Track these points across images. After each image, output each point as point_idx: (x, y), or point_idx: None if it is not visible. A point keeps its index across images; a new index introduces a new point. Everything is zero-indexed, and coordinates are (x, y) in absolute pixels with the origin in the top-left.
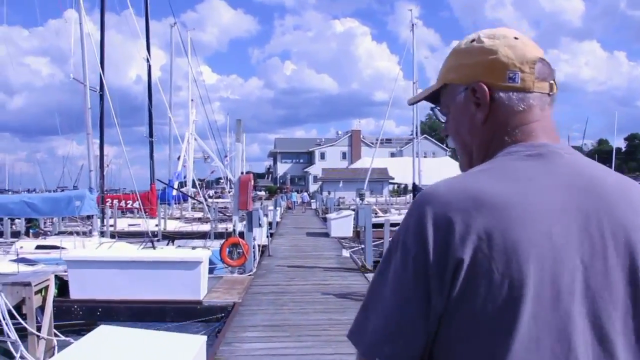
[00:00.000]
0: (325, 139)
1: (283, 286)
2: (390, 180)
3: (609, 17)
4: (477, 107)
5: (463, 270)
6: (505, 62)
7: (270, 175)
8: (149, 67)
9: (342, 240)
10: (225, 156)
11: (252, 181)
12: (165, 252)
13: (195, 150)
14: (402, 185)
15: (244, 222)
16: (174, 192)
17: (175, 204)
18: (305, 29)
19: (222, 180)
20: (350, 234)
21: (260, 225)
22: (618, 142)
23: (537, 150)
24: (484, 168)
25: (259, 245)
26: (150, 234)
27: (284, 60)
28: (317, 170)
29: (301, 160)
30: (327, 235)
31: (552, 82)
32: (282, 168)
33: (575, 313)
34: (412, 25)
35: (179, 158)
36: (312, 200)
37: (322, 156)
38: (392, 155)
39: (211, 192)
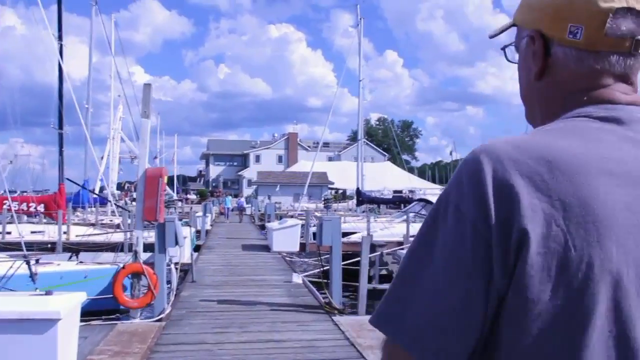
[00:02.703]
0: (260, 142)
1: (210, 345)
2: (330, 185)
3: None
4: (534, 58)
5: (531, 244)
6: (569, 11)
7: (202, 178)
8: (61, 46)
9: (287, 256)
10: (155, 157)
11: (165, 178)
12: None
13: (124, 151)
14: (341, 191)
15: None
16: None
17: (90, 207)
18: (241, 32)
19: None
20: (296, 247)
21: (177, 244)
22: None
23: (611, 113)
24: (551, 127)
25: (176, 268)
26: (24, 246)
27: (218, 63)
28: (251, 173)
29: (235, 163)
30: (267, 248)
31: (637, 38)
32: (215, 171)
33: None
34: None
35: (102, 158)
36: (247, 206)
37: (257, 159)
38: (330, 159)
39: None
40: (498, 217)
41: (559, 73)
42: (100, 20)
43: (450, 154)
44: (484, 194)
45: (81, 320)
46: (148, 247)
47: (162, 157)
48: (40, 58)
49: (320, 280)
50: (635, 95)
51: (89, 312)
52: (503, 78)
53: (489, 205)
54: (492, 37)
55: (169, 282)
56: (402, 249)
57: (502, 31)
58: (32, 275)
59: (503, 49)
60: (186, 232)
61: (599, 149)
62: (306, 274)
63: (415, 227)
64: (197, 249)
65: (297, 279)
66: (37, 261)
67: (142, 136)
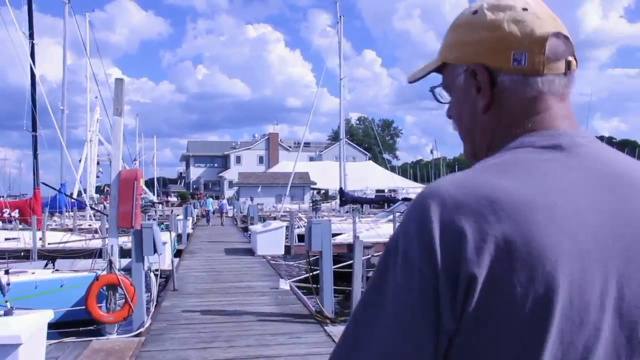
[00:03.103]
0: (241, 143)
1: None
2: (312, 186)
3: None
4: (478, 92)
5: (478, 286)
6: (510, 40)
7: (183, 180)
8: (32, 45)
9: (272, 260)
10: (134, 159)
11: (141, 181)
12: None
13: (102, 154)
14: (323, 191)
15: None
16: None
17: (68, 212)
18: (218, 33)
19: None
20: (281, 251)
21: (156, 252)
22: None
23: (554, 141)
24: (494, 162)
25: (156, 275)
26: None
27: (196, 64)
28: (232, 174)
29: (216, 165)
30: (251, 252)
31: (570, 59)
32: (196, 172)
33: (606, 327)
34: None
35: (80, 161)
36: (230, 208)
37: (238, 160)
38: (311, 159)
39: None
40: (444, 262)
41: (506, 101)
42: (74, 20)
43: (431, 152)
44: (430, 240)
45: (54, 336)
46: (127, 253)
47: (142, 160)
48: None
49: (310, 285)
50: (572, 117)
51: (65, 323)
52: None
53: (435, 252)
54: (412, 82)
55: (148, 290)
56: None
57: (427, 73)
58: (2, 287)
59: (431, 90)
60: (166, 237)
61: (542, 182)
62: (294, 279)
63: None
64: (178, 253)
65: (285, 285)
66: (6, 272)
67: (115, 135)
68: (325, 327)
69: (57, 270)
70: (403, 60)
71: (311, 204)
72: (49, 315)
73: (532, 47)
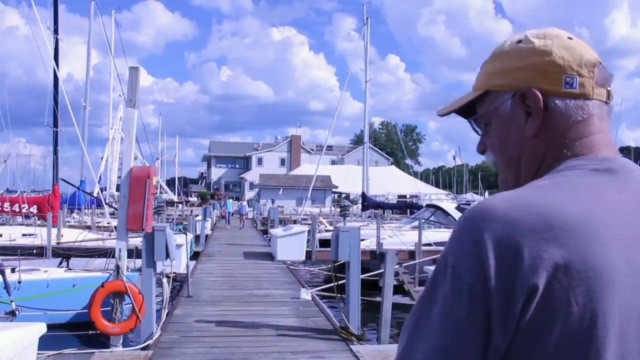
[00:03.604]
0: (263, 144)
1: None
2: (334, 189)
3: None
4: (528, 116)
5: (536, 300)
6: (561, 64)
7: (204, 180)
8: (56, 40)
9: (292, 265)
10: (157, 158)
11: (153, 179)
12: None
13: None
14: (344, 195)
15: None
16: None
17: (87, 209)
18: (243, 35)
19: None
20: (302, 257)
21: (168, 258)
22: None
23: (605, 165)
24: (544, 182)
25: (170, 278)
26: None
27: (220, 65)
28: (253, 176)
29: (237, 166)
30: (270, 257)
31: (609, 88)
32: (217, 173)
33: None
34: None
35: (102, 158)
36: (250, 209)
37: (260, 162)
38: (333, 162)
39: None
40: (498, 279)
41: (557, 125)
42: (100, 19)
43: (454, 158)
44: (482, 257)
45: (54, 345)
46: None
47: (164, 159)
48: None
49: (334, 294)
50: (614, 145)
51: (76, 325)
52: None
53: (487, 268)
54: (443, 115)
55: (160, 295)
56: (431, 260)
57: (465, 104)
58: (7, 286)
59: (470, 121)
60: (182, 240)
61: (595, 203)
62: (316, 289)
63: (427, 235)
64: (195, 255)
65: (306, 294)
66: (12, 270)
67: (128, 129)
68: (352, 346)
69: (70, 269)
70: (427, 65)
71: (339, 209)
72: (39, 329)
73: (582, 71)
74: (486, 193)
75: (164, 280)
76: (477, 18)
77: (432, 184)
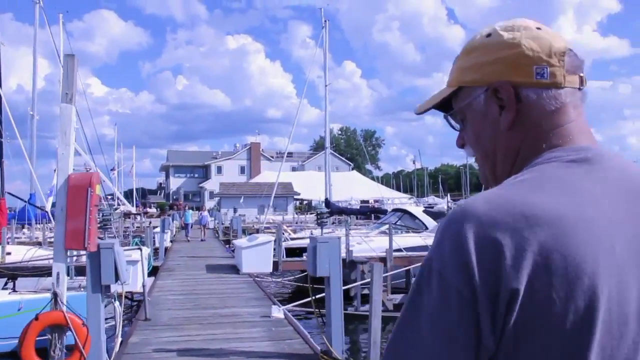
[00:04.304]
0: (222, 152)
1: None
2: (296, 196)
3: None
4: (502, 110)
5: (518, 302)
6: (530, 55)
7: (163, 191)
8: None
9: (259, 277)
10: (112, 169)
11: (97, 188)
12: None
13: (79, 164)
14: (306, 202)
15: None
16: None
17: (38, 224)
18: (198, 44)
19: (109, 197)
20: (269, 268)
21: (118, 281)
22: None
23: (580, 155)
24: (523, 178)
25: (123, 299)
26: None
27: (176, 74)
28: (213, 185)
29: (196, 175)
30: (235, 269)
31: (581, 75)
32: (176, 183)
33: None
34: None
35: (55, 171)
36: (211, 219)
37: (219, 170)
38: (294, 169)
39: None
40: (482, 281)
41: (530, 116)
42: (47, 27)
43: (414, 162)
44: (466, 259)
45: None
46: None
47: (120, 170)
48: None
49: (309, 309)
50: (590, 132)
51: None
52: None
53: (472, 270)
54: (420, 113)
55: (111, 319)
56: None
57: (440, 101)
58: None
59: (446, 117)
60: (137, 255)
61: (574, 196)
62: (289, 305)
63: (396, 240)
64: (154, 270)
65: (278, 312)
66: None
67: (64, 127)
68: None
69: (15, 291)
70: (382, 71)
71: (316, 217)
72: None
73: (552, 60)
74: (447, 196)
75: (116, 304)
76: (430, 24)
77: (392, 188)
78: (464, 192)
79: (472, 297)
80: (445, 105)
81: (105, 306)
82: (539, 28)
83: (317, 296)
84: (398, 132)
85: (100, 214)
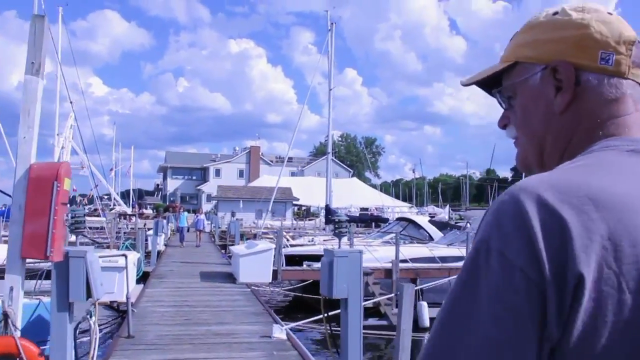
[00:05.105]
0: (221, 155)
1: None
2: (295, 202)
3: (489, 57)
4: (558, 91)
5: (586, 289)
6: (598, 39)
7: (160, 192)
8: None
9: (255, 286)
10: (111, 169)
11: (65, 182)
12: None
13: (76, 163)
14: (304, 208)
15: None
16: None
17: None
18: (200, 46)
19: (105, 196)
20: (268, 278)
21: (90, 298)
22: (505, 173)
23: (639, 146)
24: (581, 164)
25: (112, 307)
26: None
27: (177, 76)
28: (211, 188)
29: (194, 177)
30: (232, 278)
31: None
32: (173, 184)
33: None
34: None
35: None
36: (207, 223)
37: (217, 173)
38: (293, 175)
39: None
40: (551, 262)
41: (588, 102)
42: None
43: (413, 171)
44: (532, 238)
45: None
46: None
47: (118, 170)
48: None
49: (317, 325)
50: None
51: None
52: (460, 98)
53: (539, 250)
54: (467, 84)
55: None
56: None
57: (492, 75)
58: None
59: (495, 94)
60: (122, 262)
61: (638, 183)
62: (292, 324)
63: (401, 250)
64: (144, 276)
65: (280, 332)
66: None
67: (27, 104)
68: None
69: None
70: (383, 80)
71: (334, 227)
72: None
73: (619, 48)
74: (448, 206)
75: (92, 321)
76: (432, 34)
77: (392, 196)
78: (464, 202)
79: (539, 278)
80: (492, 82)
81: (79, 323)
82: (610, 13)
83: (331, 313)
84: (397, 141)
85: (70, 215)
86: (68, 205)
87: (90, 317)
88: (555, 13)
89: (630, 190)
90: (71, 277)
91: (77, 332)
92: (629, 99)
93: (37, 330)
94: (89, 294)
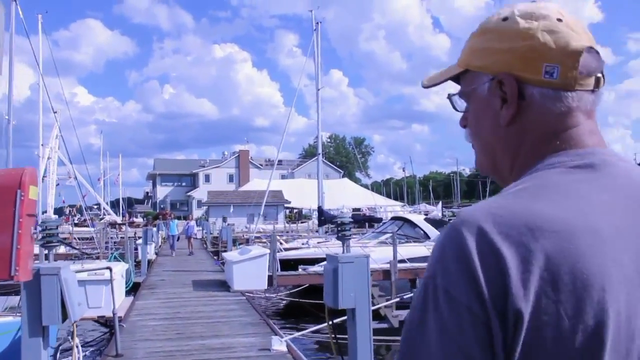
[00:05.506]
0: (210, 160)
1: None
2: (286, 205)
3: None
4: (504, 103)
5: (525, 321)
6: (542, 51)
7: (150, 200)
8: None
9: (250, 293)
10: (99, 179)
11: (30, 191)
12: None
13: (63, 174)
14: (296, 210)
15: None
16: None
17: None
18: (185, 53)
19: (95, 206)
20: (264, 284)
21: (66, 319)
22: None
23: (585, 160)
24: (525, 186)
25: (100, 322)
26: None
27: (162, 84)
28: (201, 193)
29: (183, 183)
30: (226, 286)
31: (599, 75)
32: (163, 192)
33: None
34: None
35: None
36: (198, 229)
37: (207, 179)
38: (283, 177)
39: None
40: (493, 298)
41: (533, 116)
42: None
43: (403, 170)
44: (473, 274)
45: None
46: None
47: (107, 179)
48: None
49: (317, 334)
50: (599, 134)
51: None
52: (446, 96)
53: (481, 287)
54: (428, 87)
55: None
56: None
57: (445, 80)
58: None
59: (449, 97)
60: (107, 275)
61: (579, 205)
62: (292, 335)
63: (399, 250)
64: (134, 287)
65: (280, 345)
66: None
67: None
68: None
69: None
70: (369, 80)
71: (337, 230)
72: None
73: (565, 60)
74: (440, 203)
75: (74, 342)
76: (416, 33)
77: (383, 196)
78: (455, 198)
79: (483, 313)
80: (455, 79)
81: (60, 344)
82: (560, 19)
83: (336, 321)
84: (385, 140)
85: (40, 228)
86: (37, 217)
87: (72, 338)
88: (505, 19)
89: (571, 213)
90: (43, 297)
91: (59, 353)
92: (577, 111)
93: (10, 353)
94: (65, 315)
